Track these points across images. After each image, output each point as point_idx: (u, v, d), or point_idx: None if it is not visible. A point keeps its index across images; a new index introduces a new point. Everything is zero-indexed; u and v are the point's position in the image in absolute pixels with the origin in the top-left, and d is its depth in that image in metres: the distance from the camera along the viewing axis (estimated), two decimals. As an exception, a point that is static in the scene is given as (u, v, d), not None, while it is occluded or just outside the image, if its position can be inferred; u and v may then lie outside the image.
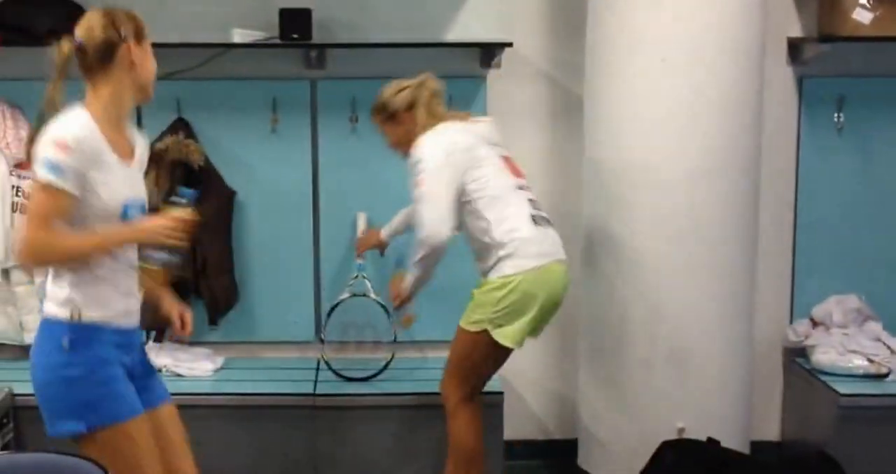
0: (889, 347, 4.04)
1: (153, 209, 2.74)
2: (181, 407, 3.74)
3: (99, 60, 2.59)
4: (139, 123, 4.02)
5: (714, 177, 3.66)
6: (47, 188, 2.48)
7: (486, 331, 3.41)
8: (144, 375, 2.75)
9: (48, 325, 2.62)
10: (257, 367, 4.15)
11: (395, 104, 3.50)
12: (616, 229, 3.76)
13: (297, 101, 4.10)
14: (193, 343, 4.15)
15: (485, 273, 3.46)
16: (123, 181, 2.61)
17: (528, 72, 4.14)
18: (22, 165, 3.95)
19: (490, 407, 3.82)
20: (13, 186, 3.95)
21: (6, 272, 4.00)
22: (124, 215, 2.59)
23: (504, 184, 3.45)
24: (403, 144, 3.50)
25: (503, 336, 3.40)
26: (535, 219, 3.46)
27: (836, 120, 4.17)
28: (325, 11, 3.97)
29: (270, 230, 4.17)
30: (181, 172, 3.96)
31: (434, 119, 3.47)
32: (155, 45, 3.83)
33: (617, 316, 3.79)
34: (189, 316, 2.89)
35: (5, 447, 3.66)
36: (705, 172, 3.65)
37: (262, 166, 4.12)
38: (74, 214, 2.52)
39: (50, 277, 2.63)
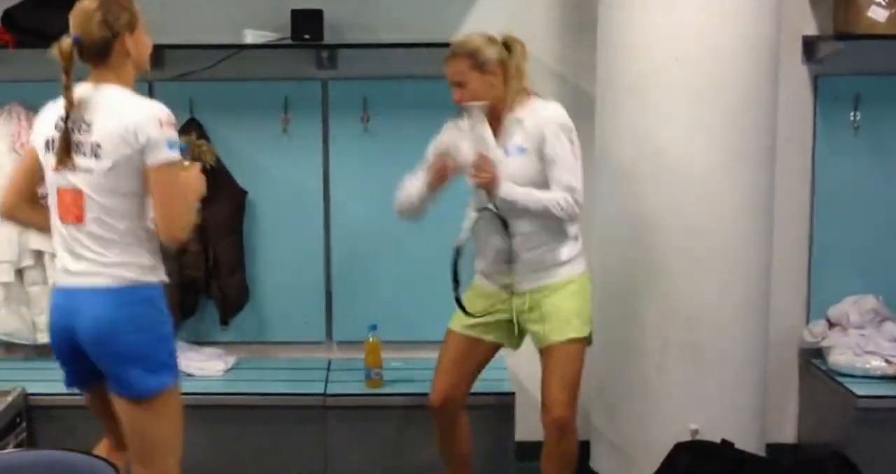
0: (907, 348, 4.02)
1: None
2: (192, 407, 3.83)
3: (97, 54, 2.81)
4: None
5: (728, 177, 3.66)
6: (180, 165, 2.79)
7: (591, 334, 3.44)
8: None
9: (137, 289, 2.80)
10: (268, 367, 4.18)
11: (489, 53, 3.31)
12: (629, 228, 3.76)
13: (309, 102, 4.14)
14: (204, 343, 4.20)
15: (554, 266, 3.37)
16: None
17: (539, 71, 4.10)
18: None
19: (502, 407, 3.88)
20: (27, 187, 4.03)
21: (20, 272, 4.05)
22: None
23: None
24: (480, 98, 3.31)
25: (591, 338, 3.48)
26: None
27: (852, 118, 4.17)
28: (336, 12, 4.01)
29: (282, 230, 4.20)
30: (193, 173, 4.03)
31: (524, 81, 3.36)
32: (167, 47, 4.00)
33: (630, 316, 3.80)
34: None
35: (18, 446, 3.71)
36: (719, 172, 3.65)
37: (274, 166, 4.16)
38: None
39: (109, 248, 2.77)
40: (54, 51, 2.81)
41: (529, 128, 3.32)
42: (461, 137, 3.38)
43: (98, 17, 2.79)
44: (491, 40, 3.35)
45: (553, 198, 3.25)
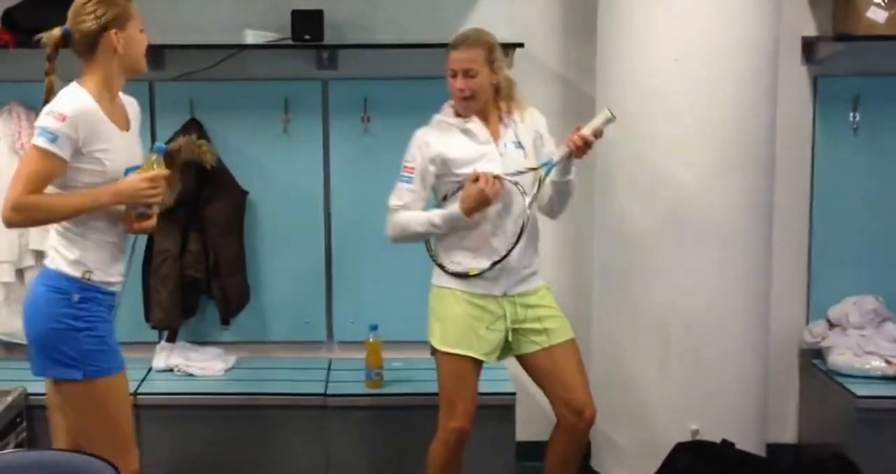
0: (907, 349, 4.00)
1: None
2: (192, 408, 3.83)
3: (85, 47, 2.84)
4: (152, 124, 4.09)
5: (728, 178, 3.65)
6: (39, 151, 2.72)
7: None
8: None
9: (57, 278, 2.84)
10: (269, 367, 4.15)
11: (499, 53, 3.29)
12: (629, 230, 3.75)
13: (309, 102, 4.12)
14: (205, 343, 4.18)
15: (537, 269, 3.39)
16: (124, 149, 2.85)
17: (539, 72, 4.15)
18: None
19: (503, 407, 3.85)
20: (27, 187, 4.01)
21: (20, 272, 4.03)
22: None
23: None
24: (480, 97, 3.26)
25: None
26: None
27: (851, 119, 4.14)
28: (336, 12, 3.99)
29: (282, 230, 4.18)
30: (194, 172, 3.98)
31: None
32: (168, 47, 3.98)
33: (630, 316, 3.78)
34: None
35: (19, 446, 3.68)
36: (719, 172, 3.64)
37: (274, 166, 4.14)
38: (75, 181, 2.76)
39: (58, 236, 2.85)
40: (44, 37, 2.89)
41: (525, 128, 3.34)
42: (451, 133, 3.31)
43: (87, 10, 2.82)
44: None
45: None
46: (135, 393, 3.84)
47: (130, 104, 3.02)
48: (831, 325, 4.16)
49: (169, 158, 3.07)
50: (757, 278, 3.80)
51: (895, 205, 4.21)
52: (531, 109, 3.40)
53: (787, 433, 4.32)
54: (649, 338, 3.75)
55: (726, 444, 3.63)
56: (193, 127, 4.06)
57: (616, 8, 3.74)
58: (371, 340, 3.93)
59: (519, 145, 3.32)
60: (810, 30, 4.15)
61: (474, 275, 3.28)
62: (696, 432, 3.70)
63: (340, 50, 4.03)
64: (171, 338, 4.15)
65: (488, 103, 3.31)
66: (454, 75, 3.25)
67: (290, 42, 3.95)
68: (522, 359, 3.43)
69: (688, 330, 3.70)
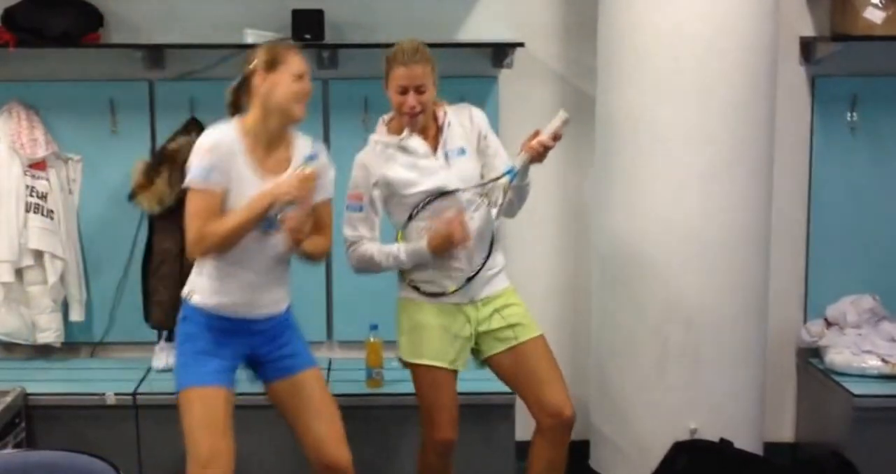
0: (904, 347, 3.94)
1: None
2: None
3: (247, 88, 2.93)
4: (153, 123, 4.04)
5: (727, 177, 3.60)
6: (193, 192, 2.85)
7: None
8: (277, 352, 3.06)
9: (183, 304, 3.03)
10: (268, 367, 4.09)
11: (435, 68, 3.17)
12: (628, 229, 3.69)
13: (310, 101, 3.92)
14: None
15: (501, 271, 3.27)
16: (248, 193, 2.86)
17: (539, 72, 4.07)
18: (36, 166, 3.93)
19: (502, 407, 3.78)
20: (27, 186, 3.90)
21: (19, 272, 3.94)
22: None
23: None
24: (428, 112, 3.15)
25: None
26: None
27: (849, 119, 4.09)
28: (337, 12, 3.92)
29: (281, 230, 4.12)
30: (194, 173, 3.94)
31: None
32: (168, 46, 3.91)
33: (629, 316, 3.71)
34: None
35: (18, 446, 3.60)
36: (718, 172, 3.59)
37: None
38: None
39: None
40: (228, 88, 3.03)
41: (462, 130, 3.21)
42: (389, 154, 3.18)
43: (246, 58, 2.97)
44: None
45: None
46: (134, 393, 3.78)
47: (298, 158, 2.99)
48: (829, 324, 4.11)
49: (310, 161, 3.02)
50: (755, 277, 3.74)
51: (893, 205, 4.15)
52: (470, 110, 3.27)
53: (785, 431, 4.26)
54: (648, 338, 3.69)
55: (724, 443, 3.58)
56: (194, 126, 3.95)
57: (616, 8, 3.69)
58: (371, 340, 3.85)
59: (462, 151, 3.18)
60: (808, 30, 4.09)
61: (452, 292, 3.18)
62: (694, 431, 3.64)
63: (341, 49, 3.95)
64: (171, 338, 3.92)
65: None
66: (405, 92, 3.10)
67: (290, 42, 3.82)
68: (493, 362, 3.28)
69: (686, 329, 3.65)
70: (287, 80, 2.88)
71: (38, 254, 3.94)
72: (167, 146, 3.92)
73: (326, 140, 4.08)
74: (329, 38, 3.90)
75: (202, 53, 3.92)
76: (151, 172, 3.87)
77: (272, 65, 2.87)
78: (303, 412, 3.05)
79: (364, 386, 3.88)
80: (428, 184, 3.13)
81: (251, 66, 2.90)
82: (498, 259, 3.26)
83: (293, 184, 2.85)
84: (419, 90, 3.10)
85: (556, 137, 3.09)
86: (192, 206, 2.86)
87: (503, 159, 3.21)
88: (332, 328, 4.19)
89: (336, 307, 4.17)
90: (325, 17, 3.87)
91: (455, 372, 3.25)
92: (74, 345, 4.15)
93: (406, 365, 3.29)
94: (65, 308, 4.04)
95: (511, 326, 3.23)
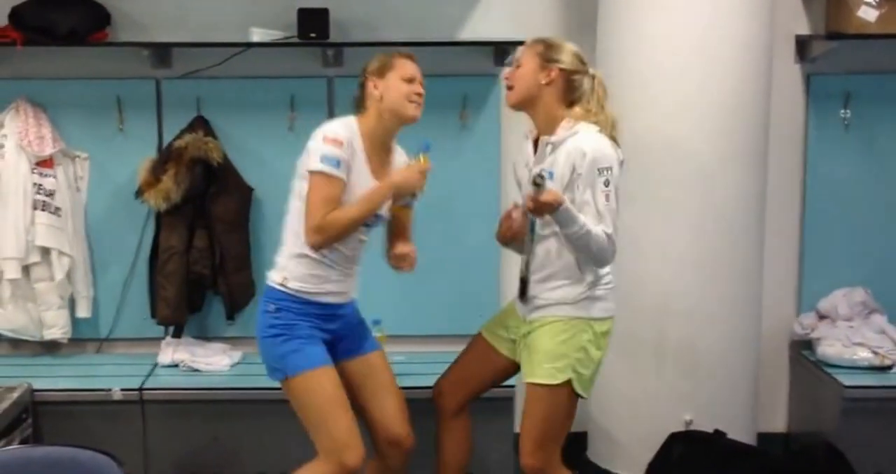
0: (893, 340, 3.86)
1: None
2: (199, 402, 3.62)
3: (361, 94, 2.97)
4: (159, 121, 3.91)
5: (722, 173, 3.52)
6: (322, 177, 2.82)
7: (570, 382, 2.90)
8: (351, 333, 3.07)
9: (266, 290, 2.98)
10: (274, 362, 3.97)
11: (566, 61, 2.89)
12: (627, 224, 3.50)
13: (315, 99, 3.89)
14: (211, 338, 3.98)
15: (553, 303, 2.91)
16: (360, 188, 2.88)
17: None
18: (43, 163, 3.79)
19: (502, 400, 3.65)
20: (35, 184, 3.76)
21: (26, 269, 3.80)
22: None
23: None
24: (518, 93, 2.91)
25: (583, 387, 2.93)
26: None
27: (842, 116, 3.97)
28: (342, 11, 3.78)
29: (287, 226, 4.00)
30: (201, 169, 3.76)
31: (587, 115, 2.89)
32: (176, 45, 3.75)
33: (626, 310, 3.53)
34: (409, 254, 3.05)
35: (24, 441, 3.47)
36: (714, 167, 3.51)
37: (280, 163, 3.78)
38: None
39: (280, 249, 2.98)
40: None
41: (561, 156, 2.85)
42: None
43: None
44: (576, 55, 2.93)
45: (598, 230, 2.81)
46: (140, 389, 3.64)
47: (397, 161, 3.04)
48: (821, 317, 4.01)
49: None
50: (749, 271, 3.66)
51: (885, 200, 4.04)
52: (580, 134, 2.89)
53: (777, 422, 4.15)
54: (644, 331, 3.58)
55: (718, 434, 3.49)
56: (200, 124, 3.83)
57: (615, 7, 3.59)
58: (376, 335, 3.71)
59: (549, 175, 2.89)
60: (803, 29, 3.98)
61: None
62: (689, 422, 3.56)
63: (346, 48, 3.80)
64: (178, 334, 3.94)
65: (542, 118, 2.96)
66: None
67: (296, 40, 3.73)
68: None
69: (682, 322, 3.56)
70: (397, 83, 2.91)
71: (46, 251, 3.80)
72: (174, 144, 3.79)
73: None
74: (334, 36, 3.76)
75: (208, 52, 3.78)
76: (158, 170, 3.76)
77: (382, 71, 2.93)
78: (371, 389, 3.06)
79: (368, 380, 3.75)
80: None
81: (362, 78, 2.97)
82: (552, 292, 2.93)
83: (414, 175, 2.91)
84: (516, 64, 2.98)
85: (534, 202, 2.76)
86: (322, 193, 2.83)
87: (590, 216, 2.82)
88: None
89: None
90: (330, 16, 3.73)
91: (488, 344, 3.16)
92: (81, 341, 4.02)
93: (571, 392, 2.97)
94: (71, 304, 3.91)
95: (524, 362, 3.00)
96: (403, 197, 2.99)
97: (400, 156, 3.06)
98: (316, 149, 2.83)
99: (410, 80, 2.92)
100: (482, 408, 3.61)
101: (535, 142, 2.98)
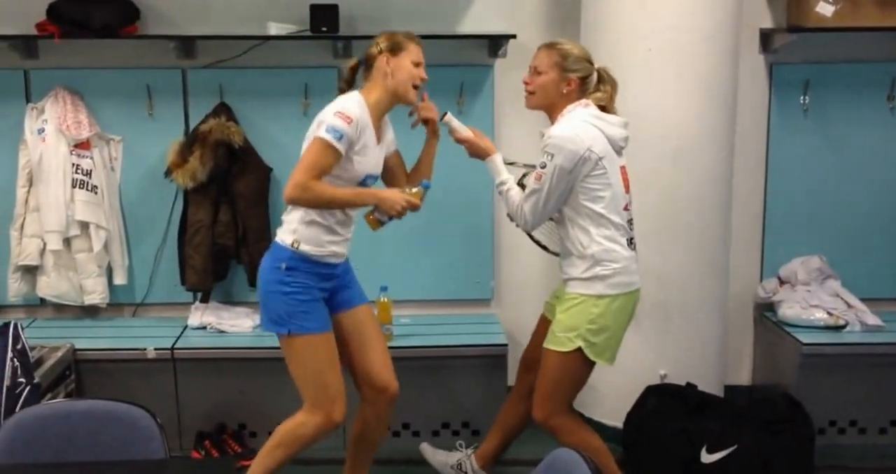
0: (846, 302, 3.84)
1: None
2: (224, 360, 3.56)
3: (367, 68, 2.82)
4: (185, 108, 3.81)
5: (694, 154, 3.45)
6: (327, 145, 2.66)
7: (580, 350, 2.83)
8: (343, 289, 2.92)
9: (276, 247, 2.82)
10: (291, 323, 3.89)
11: (582, 70, 2.81)
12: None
13: (326, 87, 3.71)
14: (235, 303, 3.90)
15: (567, 278, 2.85)
16: (371, 159, 2.79)
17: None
18: (81, 146, 3.69)
19: (495, 357, 3.61)
20: (73, 164, 3.66)
21: (67, 241, 3.71)
22: (363, 184, 2.80)
23: (616, 201, 2.82)
24: (539, 99, 2.83)
25: (597, 354, 2.86)
26: (631, 242, 2.89)
27: (802, 102, 3.90)
28: (350, 6, 3.68)
29: (303, 202, 3.90)
30: (224, 151, 3.68)
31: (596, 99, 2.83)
32: (200, 38, 3.63)
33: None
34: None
35: (68, 395, 3.42)
36: (686, 149, 3.44)
37: (295, 145, 3.58)
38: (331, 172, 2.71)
39: (287, 211, 2.83)
40: (346, 63, 2.94)
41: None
42: None
43: (375, 40, 2.83)
44: (587, 58, 2.86)
45: (516, 196, 2.85)
46: (172, 348, 3.57)
47: (388, 126, 2.92)
48: (781, 282, 3.96)
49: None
50: (718, 241, 3.59)
51: (839, 178, 3.97)
52: (558, 125, 2.85)
53: (743, 376, 4.10)
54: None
55: (690, 387, 3.44)
56: (223, 110, 3.74)
57: (596, 3, 3.50)
58: (382, 299, 3.63)
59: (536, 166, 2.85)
60: (767, 22, 3.89)
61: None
62: (664, 376, 3.52)
63: (354, 40, 3.69)
64: (205, 299, 3.86)
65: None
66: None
67: (308, 33, 3.63)
68: None
69: (657, 287, 3.47)
70: (407, 64, 2.77)
71: (84, 225, 3.72)
72: (199, 128, 3.70)
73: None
74: (343, 30, 3.66)
75: (230, 44, 3.68)
76: (185, 151, 3.67)
77: (396, 49, 2.77)
78: (360, 341, 2.94)
79: (376, 341, 3.67)
80: None
81: (376, 50, 2.78)
82: (565, 267, 2.88)
83: (401, 203, 2.76)
84: (535, 71, 2.86)
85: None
86: (317, 157, 2.69)
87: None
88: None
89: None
90: (339, 11, 3.63)
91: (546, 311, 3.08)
92: (118, 305, 3.94)
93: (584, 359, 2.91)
94: (109, 272, 3.83)
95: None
96: (383, 213, 2.79)
97: (389, 130, 2.92)
98: (326, 120, 2.69)
99: (418, 65, 2.79)
100: (479, 366, 3.61)
101: None
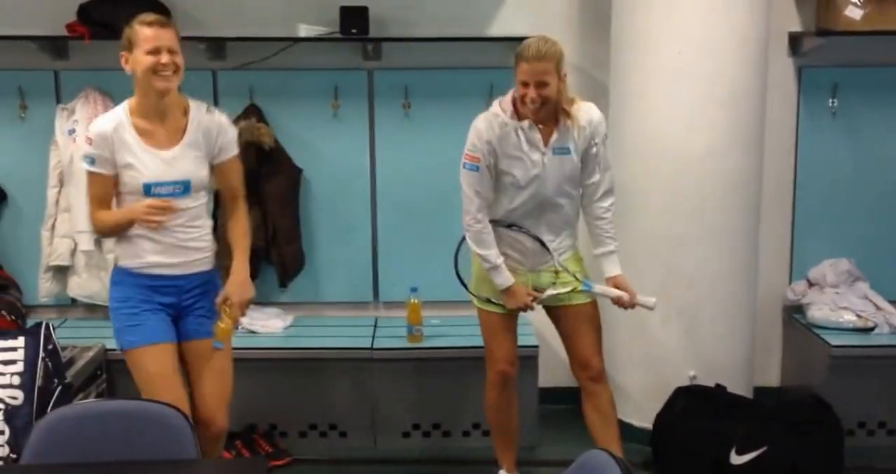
0: (875, 304, 3.69)
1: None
2: (255, 361, 3.40)
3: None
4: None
5: (723, 156, 3.34)
6: (86, 173, 2.53)
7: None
8: (189, 315, 2.66)
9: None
10: (322, 325, 3.74)
11: (564, 66, 2.75)
12: (636, 202, 3.40)
13: (356, 89, 3.68)
14: (266, 303, 3.76)
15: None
16: (149, 165, 2.53)
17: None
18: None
19: (526, 358, 3.45)
20: (103, 165, 3.55)
21: (98, 241, 3.58)
22: (147, 192, 2.52)
23: None
24: (551, 105, 2.74)
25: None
26: None
27: (830, 105, 3.76)
28: (380, 8, 3.56)
29: (333, 203, 3.75)
30: (254, 152, 3.54)
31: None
32: (230, 39, 3.49)
33: (637, 279, 3.35)
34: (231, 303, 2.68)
35: (99, 395, 3.31)
36: (715, 152, 3.32)
37: (325, 147, 3.70)
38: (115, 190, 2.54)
39: None
40: None
41: (578, 129, 2.78)
42: (508, 136, 2.77)
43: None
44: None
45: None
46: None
47: (200, 121, 2.60)
48: (810, 284, 3.82)
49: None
50: (746, 244, 3.47)
51: (867, 180, 3.83)
52: (586, 109, 2.81)
53: (771, 377, 3.95)
54: (654, 296, 3.34)
55: (719, 388, 3.33)
56: (253, 111, 3.62)
57: (627, 7, 3.38)
58: (412, 301, 3.50)
59: (564, 151, 2.79)
60: (796, 26, 3.75)
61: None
62: (693, 378, 3.40)
63: (384, 43, 3.58)
64: None
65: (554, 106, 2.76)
66: (526, 85, 2.69)
67: (338, 35, 3.51)
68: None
69: (686, 289, 3.37)
70: (141, 57, 2.48)
71: (115, 226, 3.57)
72: (230, 130, 3.56)
73: (371, 124, 3.74)
74: (373, 32, 3.54)
75: (260, 46, 3.56)
76: (215, 153, 3.52)
77: (129, 45, 2.51)
78: (195, 373, 2.67)
79: (406, 341, 3.54)
80: (524, 170, 2.77)
81: (120, 50, 2.53)
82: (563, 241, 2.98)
83: (142, 212, 2.47)
84: (542, 84, 2.69)
85: (631, 307, 2.93)
86: (89, 190, 2.56)
87: (602, 162, 2.86)
88: (377, 291, 3.84)
89: (381, 272, 3.83)
90: (369, 14, 3.50)
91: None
92: (148, 305, 3.78)
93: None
94: (140, 273, 3.67)
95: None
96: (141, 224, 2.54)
97: (196, 114, 2.60)
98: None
99: (155, 52, 2.47)
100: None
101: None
